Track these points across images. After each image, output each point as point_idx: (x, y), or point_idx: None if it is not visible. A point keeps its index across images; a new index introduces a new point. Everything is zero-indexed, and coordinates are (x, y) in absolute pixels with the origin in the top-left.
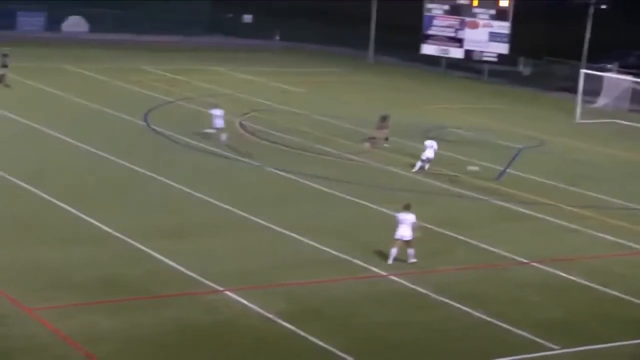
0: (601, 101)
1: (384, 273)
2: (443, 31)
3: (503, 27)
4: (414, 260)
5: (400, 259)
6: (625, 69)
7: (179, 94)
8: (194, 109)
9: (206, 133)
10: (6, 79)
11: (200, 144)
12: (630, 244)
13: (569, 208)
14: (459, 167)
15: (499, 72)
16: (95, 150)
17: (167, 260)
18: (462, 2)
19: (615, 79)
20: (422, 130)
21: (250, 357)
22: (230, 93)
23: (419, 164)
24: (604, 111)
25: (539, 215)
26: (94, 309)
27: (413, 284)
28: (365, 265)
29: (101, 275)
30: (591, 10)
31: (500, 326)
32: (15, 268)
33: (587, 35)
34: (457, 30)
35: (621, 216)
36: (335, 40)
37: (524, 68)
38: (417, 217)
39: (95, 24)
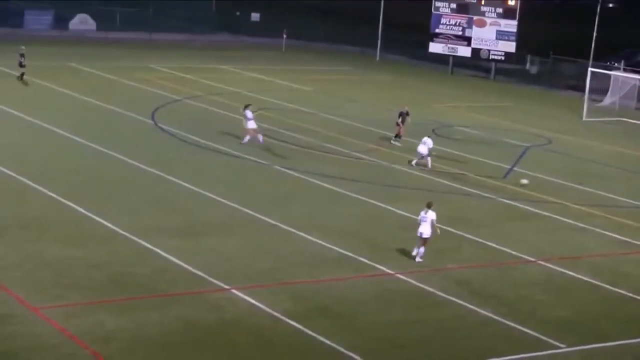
0: (608, 100)
1: (391, 271)
2: (451, 29)
3: (510, 25)
4: (419, 259)
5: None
6: (632, 67)
7: (187, 92)
8: (202, 107)
9: (246, 142)
10: (24, 77)
11: (209, 143)
12: (637, 242)
13: (576, 206)
14: (467, 165)
15: (506, 70)
16: (102, 149)
17: (174, 259)
18: (469, 0)
19: (622, 78)
20: (430, 129)
21: (257, 356)
22: (238, 91)
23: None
24: (611, 109)
25: (546, 214)
26: (101, 307)
27: (420, 282)
28: (372, 263)
29: (108, 274)
30: (599, 8)
31: (507, 324)
32: (22, 267)
33: (595, 33)
34: (464, 28)
35: (628, 215)
36: (343, 38)
37: (531, 66)
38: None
39: (103, 23)
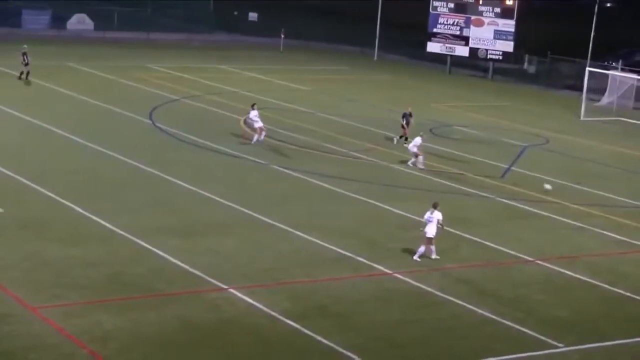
0: (606, 99)
1: (389, 271)
2: (448, 29)
3: (508, 25)
4: (417, 258)
5: (410, 254)
6: (630, 67)
7: (185, 92)
8: (199, 106)
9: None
10: (29, 76)
11: (205, 142)
12: (636, 242)
13: (574, 206)
14: (466, 165)
15: (504, 70)
16: (100, 149)
17: (172, 259)
18: (467, 0)
19: (620, 77)
20: (428, 129)
21: (255, 355)
22: (236, 91)
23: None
24: (608, 109)
25: (545, 214)
26: (99, 307)
27: (418, 282)
28: (371, 263)
29: (106, 274)
30: (596, 8)
31: (506, 324)
32: (20, 267)
33: (593, 33)
34: (462, 28)
35: (627, 214)
36: (341, 38)
37: (529, 66)
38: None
39: (100, 22)
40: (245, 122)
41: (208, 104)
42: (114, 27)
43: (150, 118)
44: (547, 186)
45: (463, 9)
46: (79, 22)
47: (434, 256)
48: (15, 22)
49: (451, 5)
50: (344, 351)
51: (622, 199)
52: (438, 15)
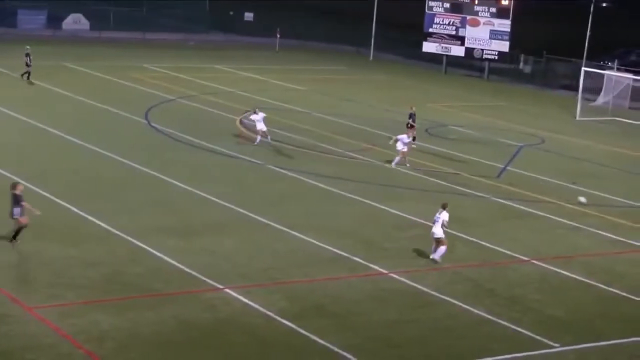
0: (601, 99)
1: (385, 271)
2: (444, 29)
3: (504, 25)
4: (436, 257)
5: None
6: (625, 67)
7: (181, 92)
8: (195, 106)
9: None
10: (29, 76)
11: (201, 142)
12: (631, 241)
13: (570, 206)
14: (462, 164)
15: (500, 69)
16: (97, 149)
17: (169, 259)
18: (463, 0)
19: (616, 77)
20: (424, 129)
21: (251, 355)
22: (232, 91)
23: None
24: (604, 109)
25: (540, 213)
26: (96, 307)
27: (415, 282)
28: (367, 263)
29: (103, 274)
30: (592, 8)
31: (502, 324)
32: (16, 267)
33: (589, 33)
34: (458, 28)
35: (622, 214)
36: (337, 38)
37: (524, 66)
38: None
39: (96, 22)
40: (241, 122)
41: (204, 104)
42: (110, 27)
43: (146, 118)
44: (582, 199)
45: (459, 8)
46: (75, 22)
47: (432, 256)
48: (11, 22)
49: (447, 5)
50: (341, 351)
51: (618, 198)
52: (434, 15)
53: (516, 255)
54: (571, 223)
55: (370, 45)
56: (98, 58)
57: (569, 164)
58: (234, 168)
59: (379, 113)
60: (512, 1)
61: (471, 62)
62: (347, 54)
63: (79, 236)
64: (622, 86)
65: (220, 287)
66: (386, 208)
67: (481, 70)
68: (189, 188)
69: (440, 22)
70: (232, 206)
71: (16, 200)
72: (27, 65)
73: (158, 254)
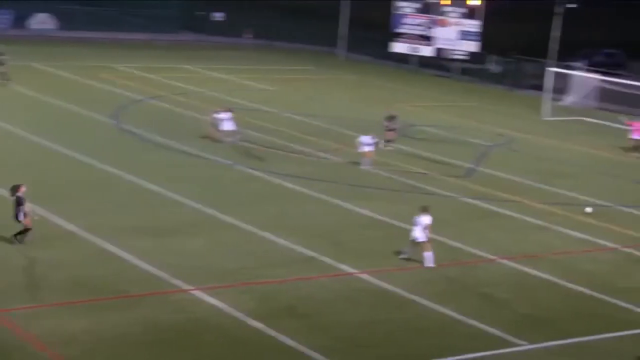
0: (569, 99)
1: (355, 271)
2: (413, 29)
3: (474, 25)
4: (430, 265)
5: (415, 260)
6: (593, 67)
7: (150, 92)
8: (165, 107)
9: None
10: (7, 76)
11: (170, 142)
12: (597, 240)
13: (538, 205)
14: (431, 164)
15: (469, 70)
16: (65, 150)
17: (136, 260)
18: (432, 0)
19: (583, 77)
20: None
21: (222, 356)
22: (202, 91)
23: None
24: (571, 109)
25: (509, 213)
26: (62, 309)
27: (385, 282)
28: (337, 263)
29: (69, 276)
30: (560, 8)
31: (470, 323)
32: None
33: (556, 33)
34: (427, 28)
35: (589, 213)
36: (308, 37)
37: (494, 66)
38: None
39: (64, 22)
40: (211, 122)
41: (174, 104)
42: (78, 26)
43: (115, 119)
44: (588, 209)
45: (428, 9)
46: (43, 21)
47: (426, 264)
48: None
49: (416, 5)
50: (311, 352)
51: (585, 197)
52: (402, 16)
53: (485, 254)
54: (539, 222)
55: (342, 45)
56: (66, 58)
57: (537, 164)
58: (204, 168)
59: (349, 113)
60: (482, 2)
61: (441, 63)
62: (318, 54)
63: (45, 238)
64: (589, 86)
65: (190, 288)
66: (356, 208)
67: (451, 70)
68: (159, 189)
69: (410, 23)
70: (202, 207)
71: (19, 203)
72: (1, 64)
73: (126, 255)
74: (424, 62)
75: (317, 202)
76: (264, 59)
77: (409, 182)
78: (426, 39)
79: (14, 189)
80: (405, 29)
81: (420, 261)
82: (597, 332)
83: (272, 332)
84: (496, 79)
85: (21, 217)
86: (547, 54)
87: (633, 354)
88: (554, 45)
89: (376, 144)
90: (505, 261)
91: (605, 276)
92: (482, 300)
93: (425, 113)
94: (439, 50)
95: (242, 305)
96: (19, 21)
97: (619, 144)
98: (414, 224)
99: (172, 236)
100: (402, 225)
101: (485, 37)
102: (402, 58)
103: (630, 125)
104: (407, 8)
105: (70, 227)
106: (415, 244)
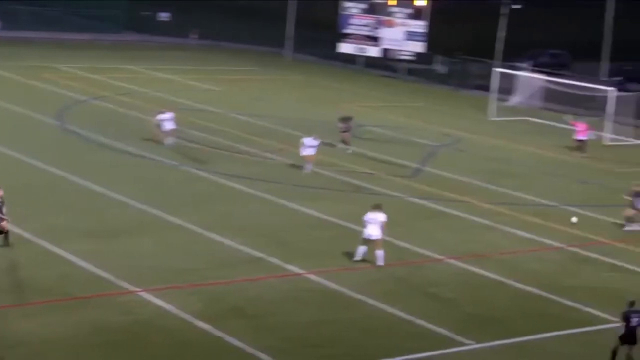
0: (514, 99)
1: (302, 271)
2: (360, 30)
3: (420, 26)
4: (381, 263)
5: (367, 260)
6: (539, 67)
7: (94, 92)
8: (109, 107)
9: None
10: None
11: (115, 143)
12: (543, 239)
13: (484, 205)
14: (377, 164)
15: (416, 70)
16: (7, 151)
17: (82, 262)
18: (378, 1)
19: (528, 78)
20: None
21: (168, 358)
22: (146, 92)
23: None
24: (517, 109)
25: (456, 213)
26: (7, 312)
27: (332, 282)
28: (284, 263)
29: (13, 279)
30: (506, 9)
31: (418, 323)
32: None
33: (502, 34)
34: (374, 29)
35: (534, 212)
36: (254, 38)
37: (440, 66)
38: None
39: (6, 21)
40: (154, 123)
41: (118, 104)
42: (21, 26)
43: (59, 119)
44: (574, 219)
45: (374, 9)
46: None
47: (378, 263)
48: None
49: (362, 6)
50: (258, 353)
51: (531, 197)
52: (349, 16)
53: (432, 254)
54: (486, 222)
55: (288, 45)
56: (8, 58)
57: (483, 164)
58: (149, 169)
59: (295, 113)
60: (429, 2)
61: (388, 63)
62: (264, 54)
63: None
64: (534, 86)
65: (137, 289)
66: (302, 208)
67: (398, 70)
68: (103, 190)
69: (356, 23)
70: (148, 208)
71: None
72: None
73: (72, 257)
74: (370, 62)
75: (263, 202)
76: (210, 60)
77: (355, 182)
78: (373, 40)
79: None
80: (352, 29)
81: (370, 261)
82: (544, 331)
83: (219, 333)
84: (442, 79)
85: None
86: (492, 54)
87: (579, 352)
88: (499, 46)
89: (319, 145)
90: (452, 261)
91: (551, 275)
92: (430, 300)
93: (372, 113)
94: (385, 50)
95: (189, 307)
96: None
97: (563, 144)
98: (365, 222)
99: (118, 238)
100: (349, 225)
101: (431, 37)
102: (349, 58)
103: (575, 125)
104: (354, 8)
105: (14, 230)
106: (369, 241)
